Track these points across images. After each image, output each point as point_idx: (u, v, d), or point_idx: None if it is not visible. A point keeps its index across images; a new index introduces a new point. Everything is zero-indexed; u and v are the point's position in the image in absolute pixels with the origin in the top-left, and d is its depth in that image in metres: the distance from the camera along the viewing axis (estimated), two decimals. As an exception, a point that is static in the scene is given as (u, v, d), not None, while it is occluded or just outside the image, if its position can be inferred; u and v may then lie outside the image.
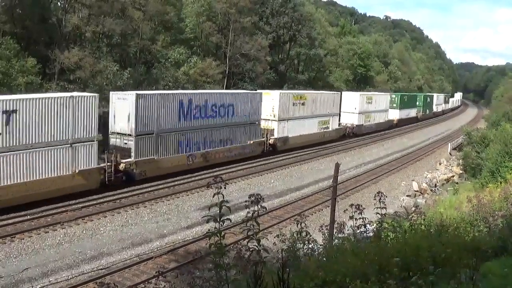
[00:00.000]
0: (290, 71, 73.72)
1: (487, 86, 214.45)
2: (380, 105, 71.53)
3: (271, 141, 44.10)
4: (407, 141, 64.96)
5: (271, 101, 44.67)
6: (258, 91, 45.80)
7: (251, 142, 40.96)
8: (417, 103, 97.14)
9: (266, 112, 44.06)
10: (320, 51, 76.56)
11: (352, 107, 62.96)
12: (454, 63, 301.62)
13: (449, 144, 60.75)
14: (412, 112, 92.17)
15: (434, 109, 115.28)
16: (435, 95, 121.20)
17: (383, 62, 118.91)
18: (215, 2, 55.94)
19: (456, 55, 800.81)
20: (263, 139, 42.99)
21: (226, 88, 53.14)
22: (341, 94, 61.15)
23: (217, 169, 36.15)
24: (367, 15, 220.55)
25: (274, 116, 45.09)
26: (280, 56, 71.26)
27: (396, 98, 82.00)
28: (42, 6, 41.22)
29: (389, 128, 75.07)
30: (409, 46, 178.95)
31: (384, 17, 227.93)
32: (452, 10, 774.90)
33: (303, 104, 49.11)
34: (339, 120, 60.81)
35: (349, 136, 61.38)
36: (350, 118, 62.87)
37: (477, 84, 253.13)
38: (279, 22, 65.68)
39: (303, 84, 70.27)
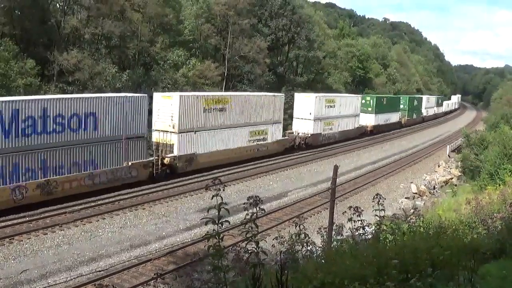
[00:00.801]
0: (289, 73, 73.78)
1: (486, 89, 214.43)
2: (347, 109, 60.11)
3: (166, 161, 33.37)
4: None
5: (169, 107, 34.45)
6: (158, 93, 36.97)
7: (129, 164, 30.33)
8: (401, 106, 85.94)
9: (163, 121, 34.62)
10: (319, 53, 76.63)
11: (306, 112, 52.03)
12: (453, 65, 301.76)
13: (448, 146, 60.80)
14: (394, 117, 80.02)
15: (424, 112, 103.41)
16: (424, 97, 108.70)
17: (382, 64, 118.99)
18: (214, 4, 56.03)
19: (455, 57, 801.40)
20: (152, 158, 32.64)
21: (225, 90, 53.13)
22: (276, 96, 46.38)
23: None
24: (366, 17, 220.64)
25: (174, 127, 34.27)
26: (279, 58, 71.33)
27: (371, 100, 71.02)
28: (41, 8, 41.24)
29: (359, 136, 64.63)
30: (408, 48, 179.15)
31: (383, 19, 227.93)
32: (451, 11, 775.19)
33: (222, 110, 38.09)
34: (291, 128, 52.67)
35: (300, 148, 50.35)
36: (303, 126, 52.07)
37: (475, 86, 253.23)
38: (278, 24, 65.75)
39: (302, 86, 70.34)
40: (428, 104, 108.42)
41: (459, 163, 47.89)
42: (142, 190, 30.21)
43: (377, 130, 70.98)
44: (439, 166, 50.40)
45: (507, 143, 33.31)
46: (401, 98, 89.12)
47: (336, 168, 18.17)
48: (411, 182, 40.66)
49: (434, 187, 41.30)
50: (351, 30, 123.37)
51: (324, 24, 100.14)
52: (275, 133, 45.16)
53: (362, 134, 66.06)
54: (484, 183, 32.19)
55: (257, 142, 42.63)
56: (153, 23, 50.89)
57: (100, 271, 18.91)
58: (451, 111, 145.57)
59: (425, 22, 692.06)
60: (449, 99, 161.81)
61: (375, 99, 71.37)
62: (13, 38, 37.84)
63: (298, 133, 51.47)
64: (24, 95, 31.01)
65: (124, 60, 47.87)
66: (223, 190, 5.24)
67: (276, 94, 47.60)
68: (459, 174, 45.31)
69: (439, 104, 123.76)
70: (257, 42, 58.68)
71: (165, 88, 45.55)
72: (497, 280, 7.65)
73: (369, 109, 69.76)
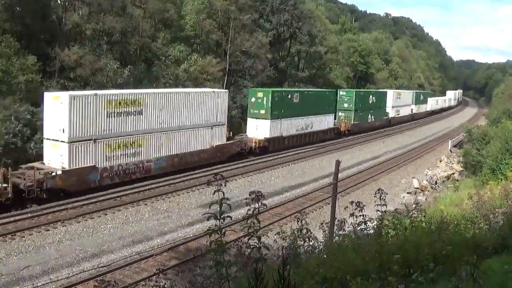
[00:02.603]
0: (291, 68, 73.67)
1: (488, 84, 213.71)
2: (188, 117, 35.00)
3: None
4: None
5: None
6: None
7: None
8: (344, 104, 61.76)
9: None
10: (321, 49, 76.48)
11: (57, 127, 27.46)
12: (455, 60, 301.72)
13: (450, 141, 60.72)
14: (323, 122, 54.17)
15: (391, 113, 77.35)
16: (389, 91, 79.61)
17: (384, 59, 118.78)
18: (215, -1, 55.92)
19: (456, 52, 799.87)
20: None
21: (226, 86, 53.10)
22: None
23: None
24: (368, 12, 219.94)
25: None
26: (280, 54, 71.17)
27: (264, 98, 44.72)
28: (42, 4, 41.12)
29: (229, 160, 38.98)
30: (410, 43, 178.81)
31: (385, 15, 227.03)
32: (453, 7, 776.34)
33: None
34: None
35: (37, 199, 25.56)
36: (56, 154, 27.52)
37: (477, 81, 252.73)
38: (279, 20, 65.57)
39: (303, 81, 70.22)
40: (399, 102, 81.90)
41: (461, 158, 47.80)
42: (143, 186, 30.22)
43: (275, 147, 45.41)
44: (440, 161, 50.38)
45: (509, 138, 33.23)
46: (342, 93, 63.81)
47: (337, 163, 18.15)
48: (413, 177, 40.62)
49: (436, 182, 41.26)
50: (352, 25, 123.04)
51: (325, 19, 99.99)
52: None
53: (236, 156, 40.38)
54: (486, 178, 32.14)
55: None
56: (155, 18, 50.76)
57: (102, 266, 18.94)
58: (441, 110, 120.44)
59: (427, 18, 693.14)
60: (443, 94, 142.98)
61: (271, 94, 44.71)
62: (14, 35, 37.72)
63: (43, 169, 26.73)
64: (26, 92, 31.17)
65: (126, 56, 47.75)
66: (225, 185, 5.24)
67: None
68: (461, 169, 45.23)
69: (420, 101, 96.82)
70: (259, 38, 58.53)
71: (167, 83, 45.55)
72: (499, 275, 7.63)
73: (262, 111, 44.64)
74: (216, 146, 37.74)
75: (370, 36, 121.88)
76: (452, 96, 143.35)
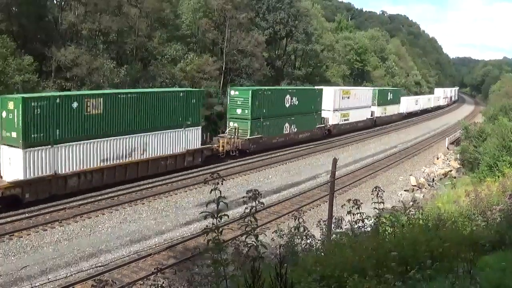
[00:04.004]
0: (287, 66, 73.62)
1: (484, 81, 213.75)
2: None
3: None
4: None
5: None
6: None
7: None
8: (236, 110, 41.41)
9: None
10: (317, 47, 76.39)
11: None
12: (451, 57, 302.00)
13: (447, 138, 60.76)
14: (177, 140, 33.54)
15: (332, 119, 56.05)
16: (329, 89, 56.80)
17: (380, 57, 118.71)
18: (212, -2, 55.82)
19: (453, 49, 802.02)
20: None
21: (223, 85, 53.04)
22: None
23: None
24: (364, 10, 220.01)
25: None
26: (277, 52, 71.15)
27: (14, 110, 23.82)
28: (38, 4, 41.08)
29: None
30: (406, 41, 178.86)
31: (381, 12, 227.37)
32: (448, 4, 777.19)
33: None
34: None
35: None
36: None
37: (473, 78, 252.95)
38: (275, 18, 65.57)
39: (300, 79, 70.21)
40: (347, 103, 60.06)
41: (458, 155, 47.92)
42: (140, 185, 30.17)
43: (42, 194, 25.12)
44: (438, 159, 50.43)
45: (506, 135, 33.33)
46: (234, 93, 42.51)
47: (335, 161, 18.17)
48: (410, 175, 40.68)
49: (433, 179, 41.33)
50: (348, 23, 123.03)
51: (321, 17, 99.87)
52: None
53: None
54: (483, 175, 32.24)
55: None
56: (151, 18, 50.65)
57: (100, 266, 18.94)
58: (424, 111, 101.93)
59: (423, 15, 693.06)
60: (431, 92, 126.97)
61: (22, 103, 23.73)
62: (11, 35, 37.68)
63: None
64: (23, 92, 31.07)
65: (122, 56, 47.70)
66: (222, 184, 5.24)
67: None
68: (458, 166, 45.34)
69: (387, 101, 76.39)
70: (255, 36, 58.49)
71: (163, 83, 45.51)
72: (496, 272, 7.66)
73: (13, 134, 24.34)
74: None
75: (366, 34, 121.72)
76: (441, 94, 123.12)
